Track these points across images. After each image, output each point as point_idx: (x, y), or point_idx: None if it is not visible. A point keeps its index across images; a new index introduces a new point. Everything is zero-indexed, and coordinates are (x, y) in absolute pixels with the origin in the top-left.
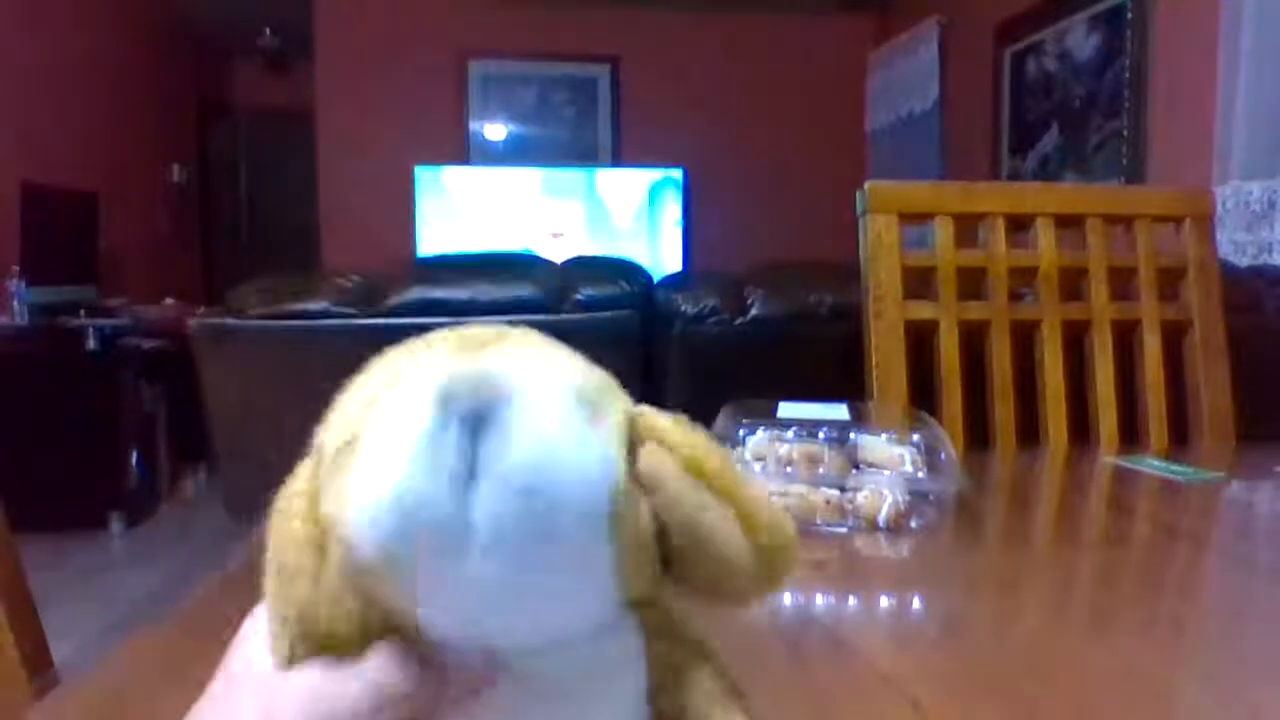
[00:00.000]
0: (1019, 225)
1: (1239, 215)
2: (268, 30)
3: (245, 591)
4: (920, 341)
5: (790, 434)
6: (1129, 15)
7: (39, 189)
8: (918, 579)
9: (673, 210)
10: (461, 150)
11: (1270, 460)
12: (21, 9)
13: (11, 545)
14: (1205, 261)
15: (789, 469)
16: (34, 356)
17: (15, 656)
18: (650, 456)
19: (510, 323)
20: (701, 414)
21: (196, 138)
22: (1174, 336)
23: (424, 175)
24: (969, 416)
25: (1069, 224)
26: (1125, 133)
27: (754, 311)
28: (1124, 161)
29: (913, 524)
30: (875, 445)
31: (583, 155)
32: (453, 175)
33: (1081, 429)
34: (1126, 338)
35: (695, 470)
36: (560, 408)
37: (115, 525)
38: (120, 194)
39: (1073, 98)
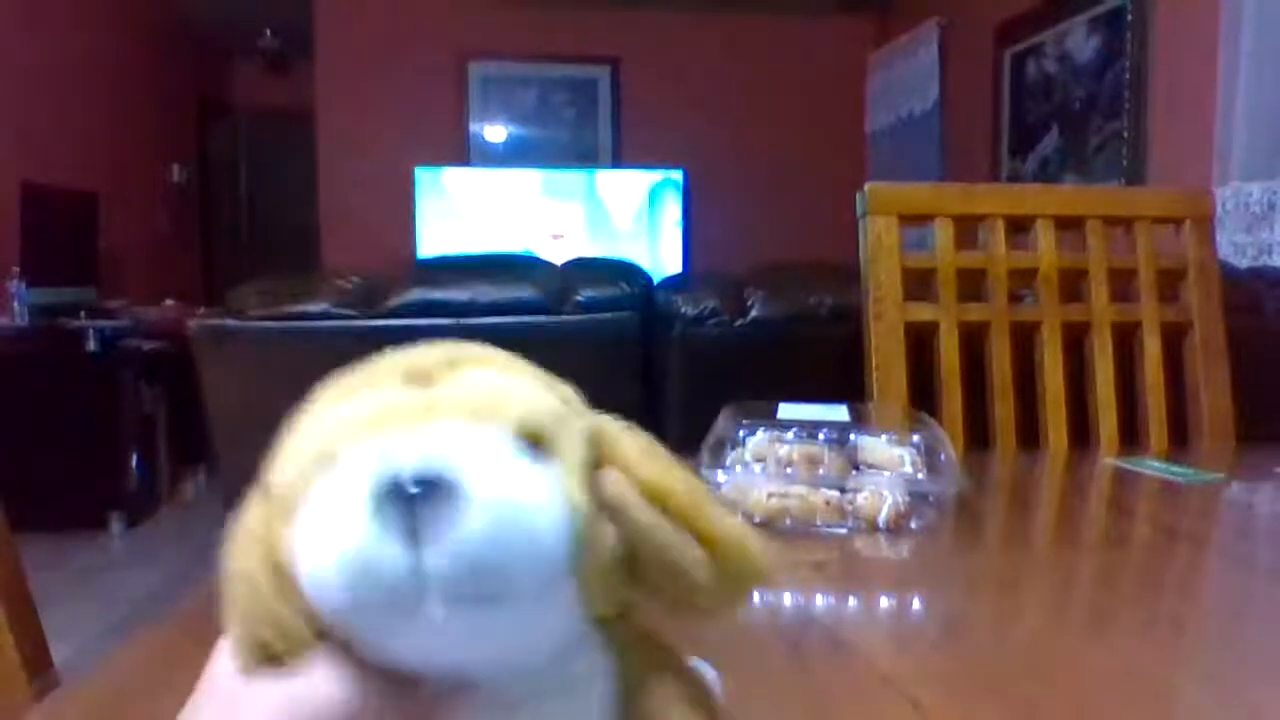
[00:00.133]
0: (1019, 227)
1: (1239, 217)
2: (268, 30)
3: None
4: (920, 343)
5: (790, 435)
6: (1129, 17)
7: (39, 189)
8: (918, 580)
9: (673, 211)
10: (461, 151)
11: (1270, 461)
12: (21, 9)
13: (11, 545)
14: (1205, 263)
15: (789, 470)
16: (34, 357)
17: (15, 658)
18: (611, 486)
19: (510, 325)
20: (701, 415)
21: (196, 138)
22: (1174, 338)
23: (424, 176)
24: (969, 418)
25: (1069, 225)
26: (1125, 134)
27: (754, 313)
28: (1124, 163)
29: (913, 525)
30: (875, 446)
31: (583, 156)
32: (453, 176)
33: (1081, 430)
34: (1126, 339)
35: (654, 495)
36: (505, 464)
37: (115, 525)
38: (120, 194)
39: (1073, 99)
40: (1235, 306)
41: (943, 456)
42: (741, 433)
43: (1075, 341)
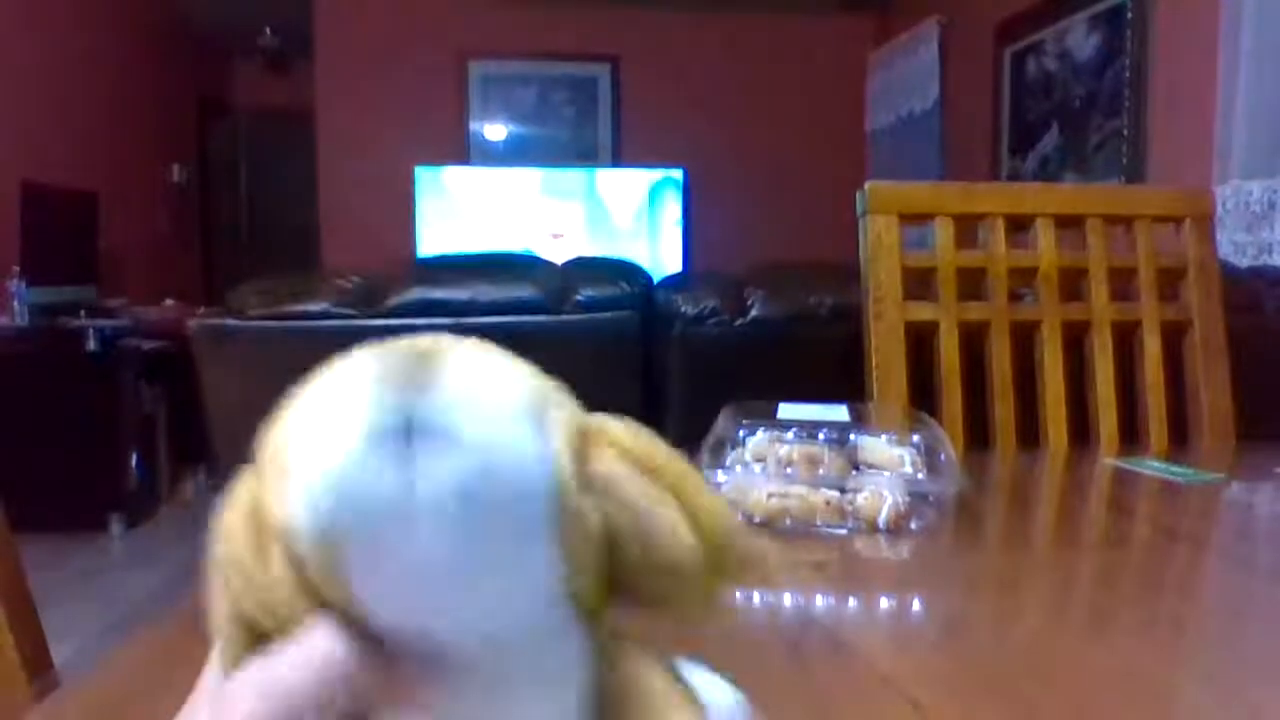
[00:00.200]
0: (1019, 226)
1: (1239, 215)
2: (268, 30)
3: None
4: (920, 342)
5: (790, 435)
6: (1129, 15)
7: (39, 189)
8: (918, 580)
9: (673, 210)
10: (461, 150)
11: (1270, 461)
12: (21, 9)
13: (11, 545)
14: (1205, 262)
15: (789, 470)
16: (34, 357)
17: (15, 658)
18: (601, 463)
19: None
20: (701, 415)
21: (196, 138)
22: (1174, 337)
23: (424, 175)
24: (969, 417)
25: (1069, 224)
26: (1125, 132)
27: (754, 312)
28: (1124, 161)
29: (913, 525)
30: (875, 446)
31: (583, 155)
32: (453, 175)
33: (1081, 430)
34: (1126, 338)
35: (646, 469)
36: (501, 417)
37: (115, 526)
38: (120, 194)
39: (1073, 97)
40: (1235, 305)
41: (943, 456)
42: (741, 433)
43: (1075, 340)
